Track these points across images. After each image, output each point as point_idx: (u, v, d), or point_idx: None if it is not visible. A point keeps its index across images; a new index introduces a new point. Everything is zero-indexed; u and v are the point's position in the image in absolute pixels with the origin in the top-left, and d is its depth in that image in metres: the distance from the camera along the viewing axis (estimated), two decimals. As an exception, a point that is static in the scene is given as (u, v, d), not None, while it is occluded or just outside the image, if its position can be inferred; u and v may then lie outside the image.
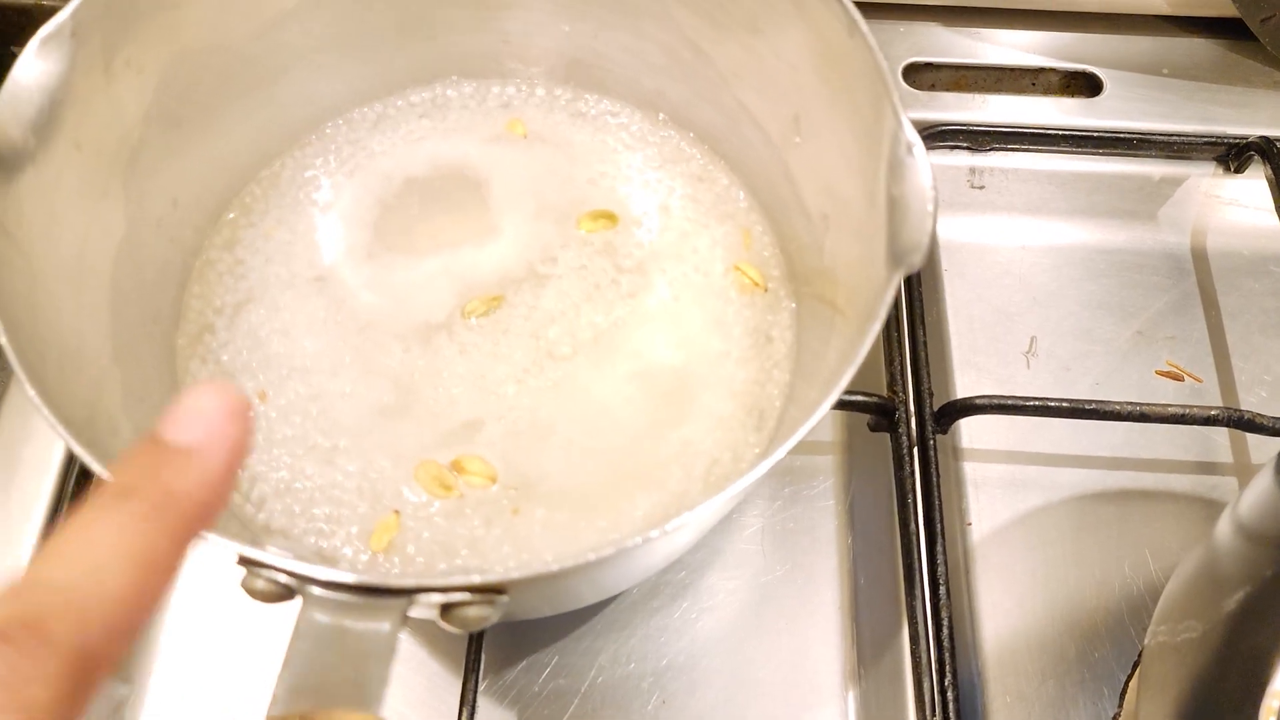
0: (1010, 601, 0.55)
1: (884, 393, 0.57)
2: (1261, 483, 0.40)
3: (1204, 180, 0.70)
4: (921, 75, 0.75)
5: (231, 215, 0.56)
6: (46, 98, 0.41)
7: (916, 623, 0.52)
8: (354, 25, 0.55)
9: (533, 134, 0.59)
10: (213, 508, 0.28)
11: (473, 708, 0.49)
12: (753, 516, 0.57)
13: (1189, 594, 0.43)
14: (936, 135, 0.69)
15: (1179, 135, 0.70)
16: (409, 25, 0.57)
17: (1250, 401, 0.61)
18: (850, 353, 0.38)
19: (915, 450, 0.56)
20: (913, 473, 0.56)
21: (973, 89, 0.75)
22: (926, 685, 0.50)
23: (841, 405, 0.56)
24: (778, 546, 0.57)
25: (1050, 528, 0.57)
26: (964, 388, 0.61)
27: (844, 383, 0.37)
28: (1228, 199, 0.70)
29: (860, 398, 0.56)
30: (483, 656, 0.50)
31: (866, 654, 0.54)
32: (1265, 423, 0.55)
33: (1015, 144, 0.70)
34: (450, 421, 0.50)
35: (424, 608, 0.33)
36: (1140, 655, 0.51)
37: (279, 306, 0.53)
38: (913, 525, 0.54)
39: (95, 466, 0.35)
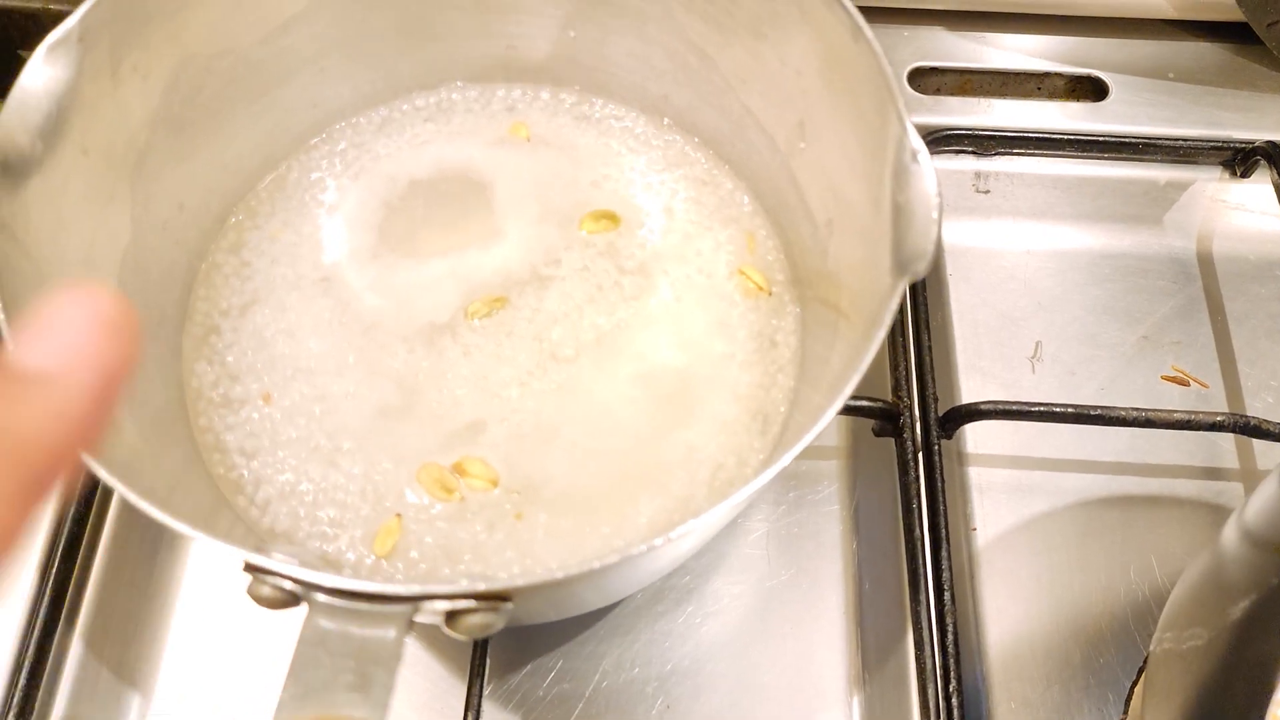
0: (1015, 607, 0.55)
1: (889, 398, 0.57)
2: (1268, 489, 0.40)
3: (1210, 185, 0.70)
4: (927, 79, 0.74)
5: (237, 218, 0.56)
6: (54, 104, 0.41)
7: (921, 628, 0.52)
8: (359, 30, 0.55)
9: (537, 137, 0.59)
10: (71, 454, 0.21)
11: (477, 712, 0.49)
12: (757, 521, 0.57)
13: (1194, 601, 0.43)
14: (941, 139, 0.69)
15: (1185, 140, 0.70)
16: (414, 30, 0.57)
17: (1256, 407, 0.61)
18: (855, 359, 0.38)
19: (920, 455, 0.56)
20: (917, 478, 0.55)
21: (978, 93, 0.75)
22: (931, 691, 0.50)
23: (846, 410, 0.56)
24: (782, 551, 0.57)
25: (1055, 533, 0.57)
26: (969, 393, 0.61)
27: (849, 389, 0.37)
28: (1234, 204, 0.69)
29: (865, 403, 0.56)
30: (487, 661, 0.50)
31: (871, 659, 0.54)
32: (1271, 429, 0.55)
33: (1020, 148, 0.70)
34: (453, 423, 0.50)
35: (429, 615, 0.33)
36: (1145, 661, 0.51)
37: (284, 308, 0.53)
38: (917, 530, 0.54)
39: (100, 472, 0.35)
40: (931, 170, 0.39)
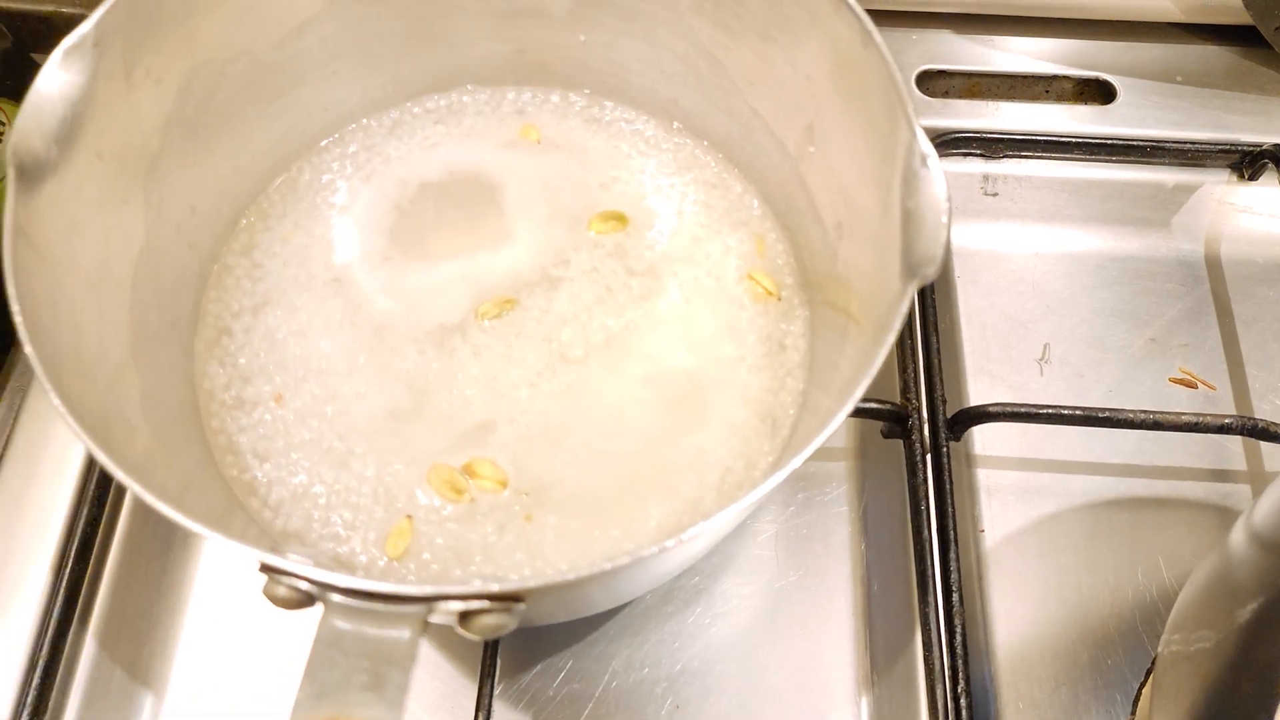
0: (1023, 608, 0.55)
1: (897, 400, 0.58)
2: (1276, 491, 0.40)
3: (1218, 187, 0.70)
4: (935, 82, 0.75)
5: (248, 220, 0.56)
6: (69, 108, 0.42)
7: (930, 629, 0.52)
8: (370, 33, 0.56)
9: (547, 140, 0.59)
10: None
11: (488, 712, 0.49)
12: (766, 522, 0.58)
13: (1203, 603, 0.43)
14: (950, 142, 0.70)
15: (1193, 143, 0.70)
16: (425, 33, 0.57)
17: (1264, 410, 0.61)
18: (865, 362, 0.38)
19: (928, 457, 0.57)
20: (926, 479, 0.56)
21: (986, 96, 0.75)
22: (939, 691, 0.50)
23: (855, 413, 0.55)
24: (791, 552, 0.57)
25: (1063, 535, 0.57)
26: (977, 395, 0.61)
27: (859, 392, 0.37)
28: (1242, 206, 0.69)
29: (874, 405, 0.56)
30: (498, 661, 0.51)
31: (879, 660, 0.54)
32: (1279, 431, 0.55)
33: (1028, 151, 0.70)
34: (463, 424, 0.50)
35: (443, 615, 0.33)
36: (1153, 663, 0.52)
37: (295, 309, 0.53)
38: (926, 532, 0.54)
39: (115, 471, 0.35)
40: (941, 175, 0.39)
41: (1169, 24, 0.76)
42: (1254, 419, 0.56)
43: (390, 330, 0.53)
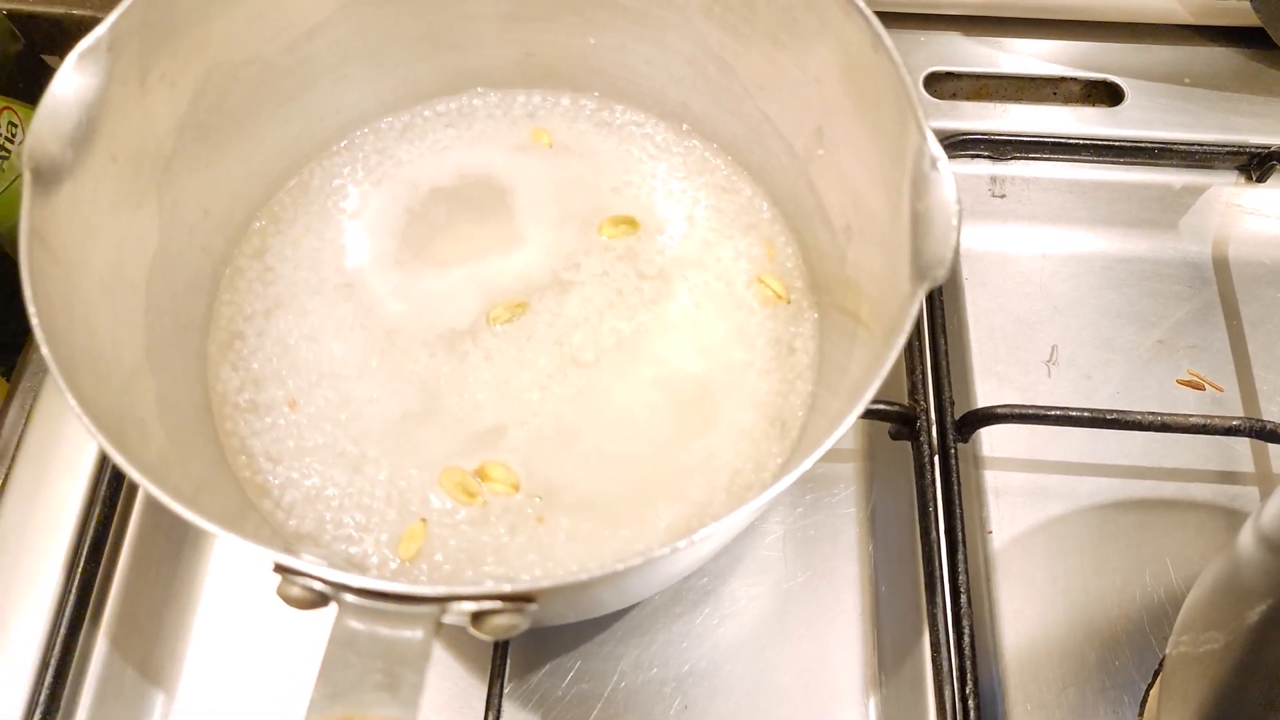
0: (1031, 609, 0.55)
1: (905, 401, 0.58)
2: (1284, 494, 0.40)
3: (1225, 189, 0.70)
4: (942, 84, 0.75)
5: (261, 223, 0.56)
6: (84, 111, 0.42)
7: (938, 630, 0.52)
8: (382, 37, 0.56)
9: (558, 143, 0.60)
10: None
11: (498, 712, 0.49)
12: (774, 523, 0.58)
13: (1211, 605, 0.43)
14: (957, 144, 0.70)
15: (1200, 144, 0.70)
16: (435, 37, 0.57)
17: (1272, 411, 0.61)
18: (875, 365, 0.38)
19: (936, 459, 0.57)
20: (934, 481, 0.56)
21: (993, 98, 0.75)
22: (948, 692, 0.50)
23: (864, 414, 0.56)
24: (799, 553, 0.57)
25: (1071, 536, 0.57)
26: (985, 396, 0.61)
27: (869, 395, 0.37)
28: (1249, 208, 0.70)
29: (882, 406, 0.57)
30: (508, 661, 0.51)
31: (888, 661, 0.54)
32: (1286, 433, 0.55)
33: (1036, 153, 0.71)
34: (475, 426, 0.51)
35: (456, 616, 0.33)
36: (1161, 664, 0.52)
37: (307, 312, 0.54)
38: (934, 533, 0.54)
39: (131, 471, 0.35)
40: (951, 178, 0.39)
41: (1177, 26, 0.76)
42: (1262, 421, 0.56)
43: (402, 334, 0.53)
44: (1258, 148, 0.69)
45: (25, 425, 0.59)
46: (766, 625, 0.55)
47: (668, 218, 0.57)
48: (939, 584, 0.53)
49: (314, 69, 0.55)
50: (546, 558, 0.47)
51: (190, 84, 0.49)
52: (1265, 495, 0.58)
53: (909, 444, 0.58)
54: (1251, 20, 0.72)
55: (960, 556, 0.53)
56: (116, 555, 0.57)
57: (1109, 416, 0.56)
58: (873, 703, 0.53)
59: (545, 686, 0.53)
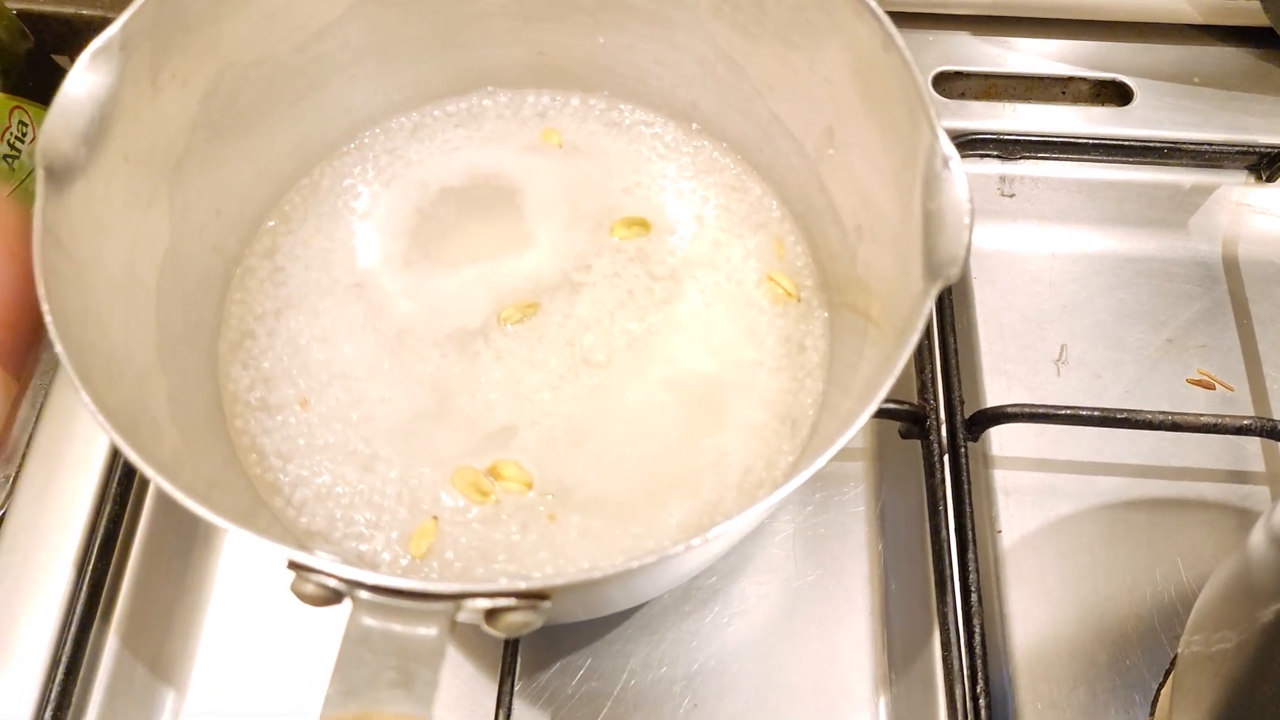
0: (1041, 609, 0.55)
1: (915, 400, 0.58)
2: (1296, 494, 0.40)
3: (1235, 189, 0.70)
4: (951, 84, 0.75)
5: (271, 223, 0.56)
6: (97, 110, 0.42)
7: (948, 629, 0.52)
8: (392, 37, 0.56)
9: (567, 143, 0.60)
10: None
11: (509, 710, 0.49)
12: (783, 522, 0.58)
13: (1223, 604, 0.43)
14: (966, 144, 0.70)
15: (1210, 144, 0.70)
16: (446, 36, 0.57)
17: (1282, 410, 0.61)
18: (887, 364, 0.38)
19: (946, 458, 0.57)
20: (944, 480, 0.56)
21: (1002, 97, 0.75)
22: (959, 691, 0.50)
23: (874, 413, 0.56)
24: (809, 552, 0.57)
25: (1080, 535, 0.57)
26: (994, 395, 0.61)
27: (882, 395, 0.37)
28: (1259, 208, 0.69)
29: (892, 405, 0.57)
30: (518, 659, 0.51)
31: (897, 660, 0.54)
32: (1298, 433, 0.55)
33: (1045, 152, 0.71)
34: (487, 426, 0.51)
35: (470, 613, 0.33)
36: (1172, 663, 0.52)
37: (318, 313, 0.54)
38: (944, 532, 0.54)
39: (147, 470, 0.35)
40: (963, 177, 0.39)
41: (1186, 25, 0.76)
42: (1273, 420, 0.56)
43: (413, 334, 0.53)
44: (1267, 147, 0.69)
45: (36, 424, 0.59)
46: (776, 624, 0.55)
47: (678, 218, 0.57)
48: (950, 583, 0.53)
49: (324, 69, 0.55)
50: (558, 555, 0.47)
51: (201, 83, 0.49)
52: (1277, 495, 0.58)
53: (918, 443, 0.58)
54: (1261, 20, 0.72)
55: (971, 555, 0.53)
56: (127, 553, 0.57)
57: (1120, 415, 0.56)
58: (883, 701, 0.53)
59: (555, 685, 0.54)
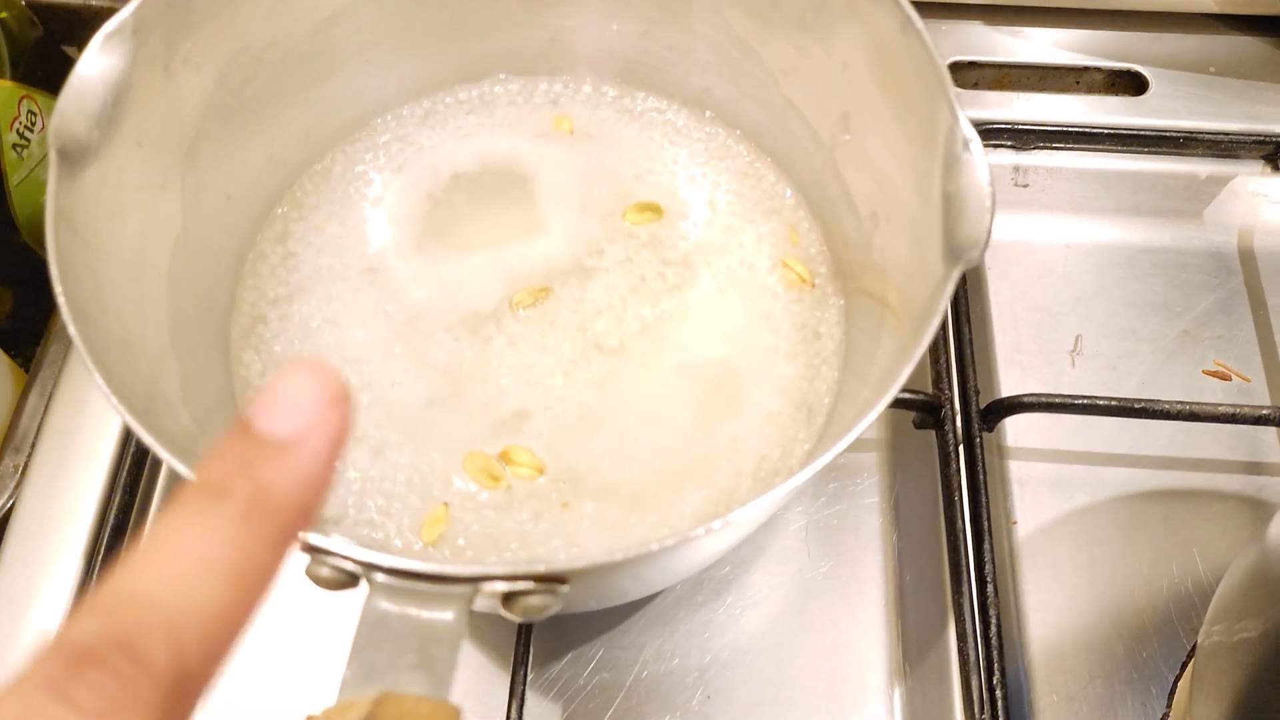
0: (1057, 600, 0.55)
1: (929, 390, 0.57)
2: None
3: (1250, 179, 0.70)
4: (965, 74, 0.74)
5: (283, 209, 0.56)
6: (110, 93, 0.42)
7: (964, 620, 0.52)
8: (405, 22, 0.56)
9: (579, 130, 0.59)
10: (312, 508, 0.25)
11: (521, 700, 0.49)
12: (797, 513, 0.58)
13: (1244, 594, 0.43)
14: (980, 134, 0.68)
15: (1225, 134, 0.69)
16: (458, 23, 0.57)
17: (1299, 401, 0.61)
18: (906, 351, 0.38)
19: (961, 448, 0.56)
20: (959, 470, 0.56)
21: (1016, 87, 0.74)
22: (975, 683, 0.50)
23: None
24: (822, 543, 0.57)
25: (1097, 527, 0.57)
26: (1008, 386, 0.61)
27: (901, 381, 0.37)
28: (1275, 198, 0.69)
29: (907, 395, 0.56)
30: (531, 650, 0.51)
31: (912, 651, 0.54)
32: (1316, 423, 0.55)
33: (1060, 142, 0.70)
34: (499, 412, 0.50)
35: (487, 597, 0.33)
36: (1189, 655, 0.51)
37: (330, 298, 0.54)
38: (959, 523, 0.54)
39: (162, 453, 0.35)
40: (984, 159, 0.39)
41: (1201, 15, 0.76)
42: (1291, 411, 0.55)
43: (425, 319, 0.53)
44: (1283, 137, 0.69)
45: (45, 412, 0.59)
46: (789, 615, 0.55)
47: (690, 203, 0.57)
48: (965, 574, 0.53)
49: (336, 55, 0.55)
50: (571, 543, 0.47)
51: (214, 68, 0.48)
52: (1293, 486, 0.58)
53: (933, 433, 0.58)
54: (1276, 9, 0.72)
55: (987, 546, 0.53)
56: (138, 538, 0.56)
57: (1136, 406, 0.56)
58: (898, 693, 0.53)
59: (567, 675, 0.53)
